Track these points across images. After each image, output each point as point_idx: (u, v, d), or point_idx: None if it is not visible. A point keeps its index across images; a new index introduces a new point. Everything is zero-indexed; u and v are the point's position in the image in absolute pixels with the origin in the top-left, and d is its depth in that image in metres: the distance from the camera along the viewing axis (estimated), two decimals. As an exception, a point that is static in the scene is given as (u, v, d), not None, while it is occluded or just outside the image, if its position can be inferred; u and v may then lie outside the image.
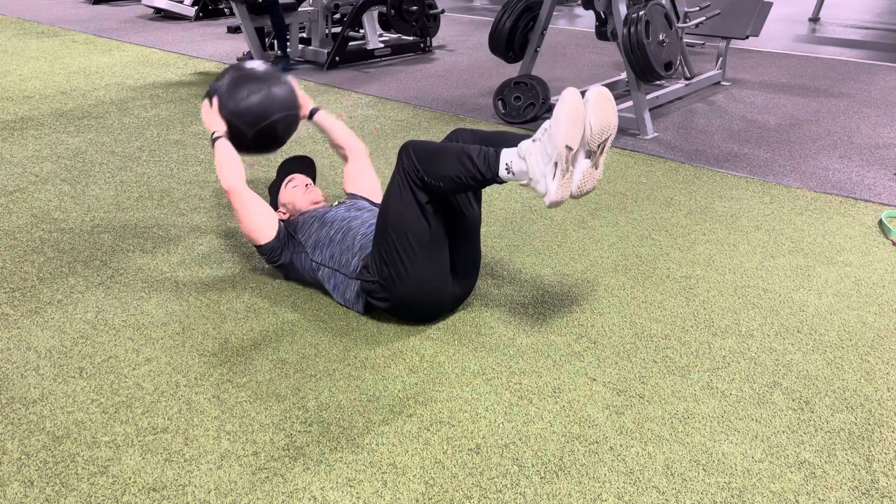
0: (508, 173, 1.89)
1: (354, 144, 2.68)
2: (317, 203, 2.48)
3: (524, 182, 1.89)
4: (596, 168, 1.91)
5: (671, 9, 4.25)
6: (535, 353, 2.04)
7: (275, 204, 2.52)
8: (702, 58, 5.71)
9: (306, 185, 2.51)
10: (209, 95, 2.47)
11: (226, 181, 2.30)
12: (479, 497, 1.55)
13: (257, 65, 2.53)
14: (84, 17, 7.71)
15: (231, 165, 2.33)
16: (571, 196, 1.90)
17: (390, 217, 2.02)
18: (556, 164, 1.82)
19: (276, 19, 5.38)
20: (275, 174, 2.68)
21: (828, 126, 4.14)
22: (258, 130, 2.43)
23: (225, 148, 2.37)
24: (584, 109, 1.83)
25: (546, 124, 1.85)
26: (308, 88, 4.95)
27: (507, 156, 1.89)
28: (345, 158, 2.69)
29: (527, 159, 1.86)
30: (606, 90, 1.88)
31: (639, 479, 1.60)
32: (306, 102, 2.66)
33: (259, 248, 2.32)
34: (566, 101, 1.80)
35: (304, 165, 2.64)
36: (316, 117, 2.67)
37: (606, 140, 1.88)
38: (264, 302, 2.29)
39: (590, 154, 1.88)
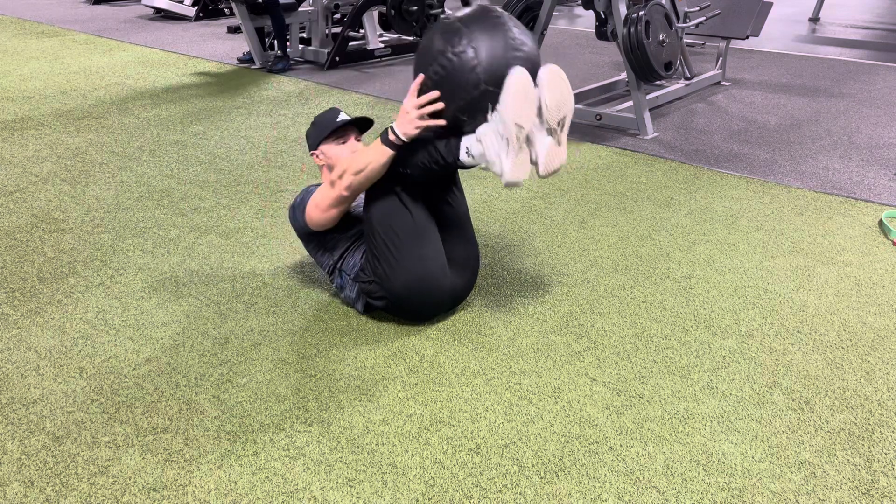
0: (468, 156, 1.95)
1: None
2: None
3: (483, 165, 1.95)
4: (559, 145, 1.96)
5: (671, 9, 4.25)
6: (535, 353, 2.04)
7: (316, 141, 2.29)
8: (702, 58, 5.71)
9: (353, 152, 2.25)
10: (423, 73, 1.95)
11: (350, 188, 2.02)
12: (479, 497, 1.55)
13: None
14: (84, 17, 7.71)
15: (373, 175, 2.01)
16: (539, 176, 1.96)
17: (373, 211, 2.05)
18: (507, 140, 1.87)
19: (276, 19, 5.38)
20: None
21: (828, 126, 4.14)
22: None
23: (384, 160, 1.99)
24: (538, 88, 1.88)
25: (498, 106, 1.88)
26: (308, 88, 4.96)
27: (467, 140, 1.96)
28: None
29: (482, 141, 1.91)
30: (557, 68, 1.94)
31: (639, 479, 1.60)
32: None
33: (296, 224, 2.22)
34: (511, 80, 1.85)
35: (362, 123, 2.37)
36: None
37: (565, 117, 1.93)
38: (264, 302, 2.28)
39: (551, 132, 1.93)
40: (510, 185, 1.92)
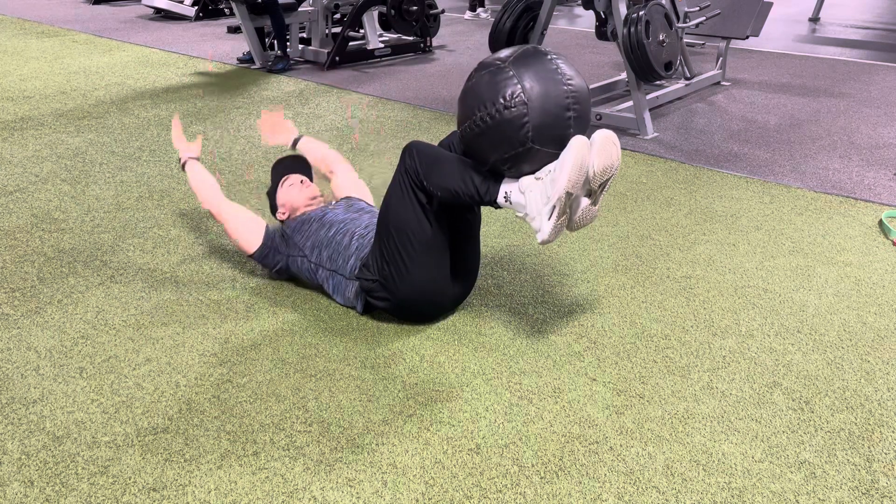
0: (506, 202, 1.91)
1: (337, 158, 2.69)
2: (314, 198, 2.47)
3: (520, 214, 1.91)
4: (595, 205, 1.92)
5: (671, 9, 4.25)
6: (535, 353, 2.04)
7: (274, 206, 2.51)
8: (702, 58, 5.71)
9: (302, 182, 2.49)
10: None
11: (205, 202, 2.45)
12: (479, 497, 1.55)
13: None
14: (84, 17, 7.71)
15: (206, 185, 2.48)
16: (569, 229, 1.94)
17: (391, 216, 2.03)
18: (554, 206, 1.83)
19: (276, 19, 5.38)
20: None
21: (828, 126, 4.14)
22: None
23: (196, 170, 2.54)
24: (590, 153, 1.82)
25: (552, 166, 1.85)
26: (308, 88, 4.96)
27: (508, 186, 1.91)
28: (329, 174, 2.68)
29: (526, 195, 1.87)
30: (612, 133, 1.86)
31: (639, 479, 1.60)
32: (292, 131, 2.74)
33: (250, 256, 2.35)
34: (574, 150, 1.80)
35: (298, 164, 2.61)
36: (299, 145, 2.71)
37: (608, 180, 1.88)
38: (264, 302, 2.29)
39: (590, 193, 1.89)
40: (544, 244, 1.90)
